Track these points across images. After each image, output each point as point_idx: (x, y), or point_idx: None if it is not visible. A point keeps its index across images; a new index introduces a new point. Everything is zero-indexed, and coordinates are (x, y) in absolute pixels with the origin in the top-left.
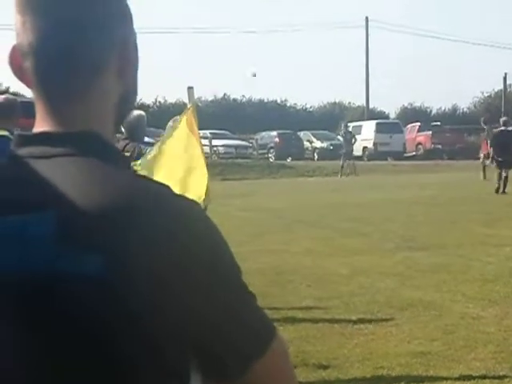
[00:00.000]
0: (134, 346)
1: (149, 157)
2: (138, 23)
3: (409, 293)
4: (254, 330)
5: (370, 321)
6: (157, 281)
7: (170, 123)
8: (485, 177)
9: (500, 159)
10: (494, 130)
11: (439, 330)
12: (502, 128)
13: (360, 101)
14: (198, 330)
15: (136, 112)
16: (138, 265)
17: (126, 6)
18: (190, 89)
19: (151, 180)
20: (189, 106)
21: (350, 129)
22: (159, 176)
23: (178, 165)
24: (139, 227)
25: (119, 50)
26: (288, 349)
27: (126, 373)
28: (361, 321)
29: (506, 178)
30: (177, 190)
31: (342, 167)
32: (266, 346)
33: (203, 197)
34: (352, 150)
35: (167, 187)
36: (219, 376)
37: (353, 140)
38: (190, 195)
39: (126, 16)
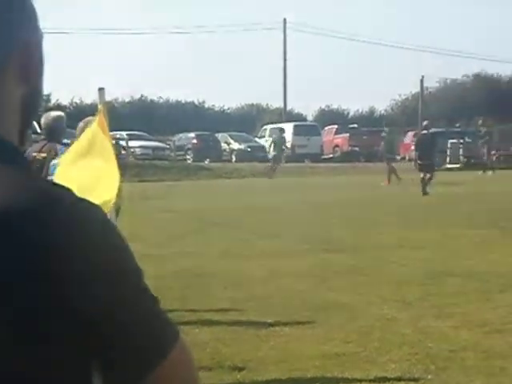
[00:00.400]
0: (33, 353)
1: (61, 158)
2: (49, 24)
3: (324, 295)
4: (154, 334)
5: (285, 323)
6: (53, 287)
7: (81, 124)
8: (397, 178)
9: (420, 162)
10: (418, 134)
11: (354, 332)
12: (424, 132)
13: (278, 103)
14: (96, 332)
15: (55, 113)
16: (31, 274)
17: (30, 5)
18: (101, 90)
19: (48, 182)
20: (100, 106)
21: (267, 132)
22: (67, 177)
23: (88, 165)
24: (30, 231)
25: (20, 51)
26: (191, 355)
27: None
28: (276, 323)
29: (430, 179)
30: (85, 191)
31: (273, 170)
32: (167, 351)
33: (114, 198)
34: (282, 155)
35: (67, 190)
36: (119, 380)
37: (283, 146)
38: (100, 196)
39: (28, 16)
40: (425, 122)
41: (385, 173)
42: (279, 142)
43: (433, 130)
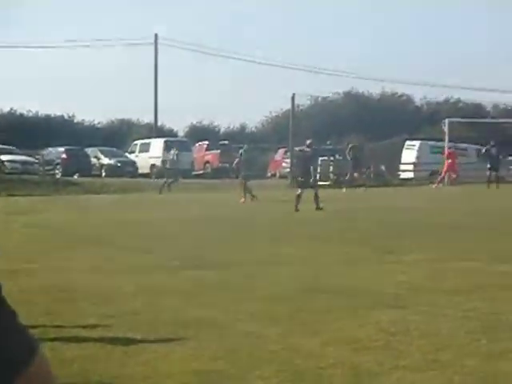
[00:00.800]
0: None
1: None
2: None
3: (194, 311)
4: (11, 348)
5: (154, 339)
6: None
7: None
8: (250, 196)
9: (299, 179)
10: (297, 151)
11: (223, 349)
12: (302, 148)
13: (148, 118)
14: None
15: None
16: None
17: None
18: None
19: None
20: None
21: (138, 147)
22: None
23: None
24: None
25: None
26: (50, 370)
27: None
28: (145, 339)
29: (316, 195)
30: None
31: (167, 185)
32: (24, 366)
33: None
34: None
35: None
36: None
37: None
38: None
39: None
40: (308, 141)
41: (242, 190)
42: (174, 158)
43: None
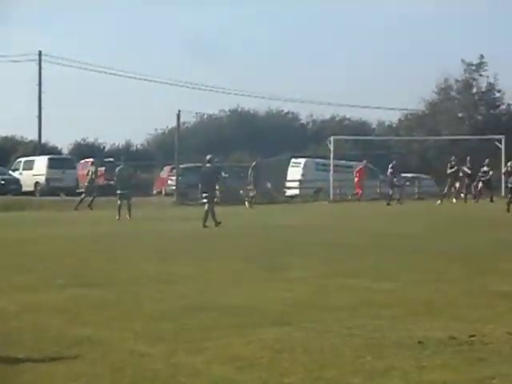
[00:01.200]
0: None
1: None
2: None
3: (78, 330)
4: None
5: (37, 359)
6: None
7: None
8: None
9: (204, 194)
10: (203, 167)
11: (107, 368)
12: (208, 165)
13: (32, 135)
14: None
15: None
16: None
17: None
18: None
19: None
20: None
21: (22, 164)
22: None
23: None
24: None
25: None
26: None
27: None
28: (28, 359)
29: (206, 212)
30: None
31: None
32: None
33: None
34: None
35: None
36: None
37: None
38: None
39: None
40: (208, 156)
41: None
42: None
43: (188, 164)
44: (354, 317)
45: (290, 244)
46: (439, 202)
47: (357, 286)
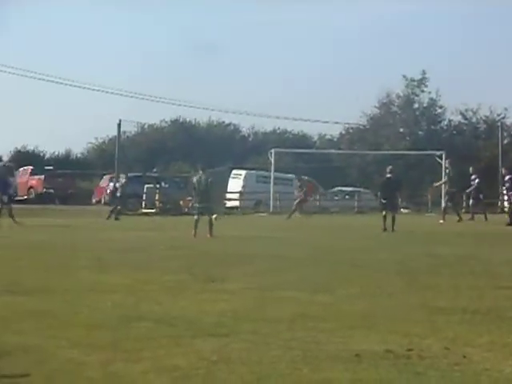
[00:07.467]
0: None
1: None
2: None
3: (12, 338)
4: None
5: None
6: None
7: None
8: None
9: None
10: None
11: (41, 376)
12: (198, 176)
13: None
14: None
15: None
16: None
17: None
18: None
19: None
20: None
21: None
22: None
23: None
24: None
25: None
26: None
27: None
28: None
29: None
30: None
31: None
32: None
33: None
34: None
35: None
36: None
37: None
38: None
39: None
40: (200, 165)
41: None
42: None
43: (129, 174)
44: (292, 329)
45: (229, 255)
46: (441, 221)
47: (294, 298)
